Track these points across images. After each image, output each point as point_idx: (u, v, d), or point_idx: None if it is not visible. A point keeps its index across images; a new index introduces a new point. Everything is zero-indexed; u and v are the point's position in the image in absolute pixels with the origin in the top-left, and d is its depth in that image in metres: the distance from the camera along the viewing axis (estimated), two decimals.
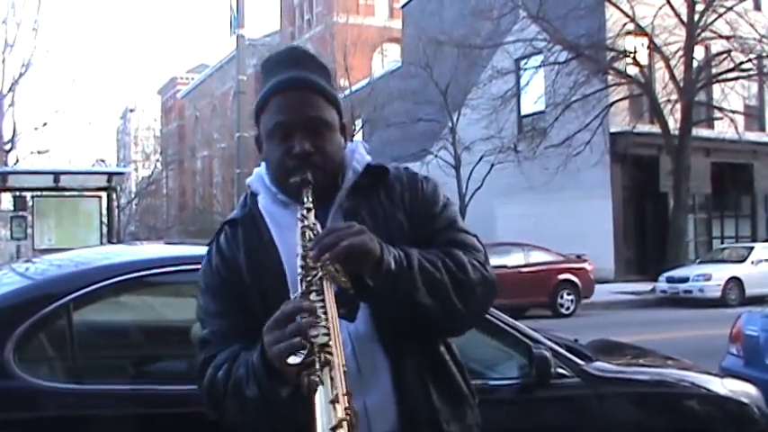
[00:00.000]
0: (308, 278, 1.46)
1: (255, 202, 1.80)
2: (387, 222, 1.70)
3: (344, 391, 1.26)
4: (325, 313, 1.38)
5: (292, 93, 1.71)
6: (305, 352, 1.33)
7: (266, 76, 1.76)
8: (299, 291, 1.46)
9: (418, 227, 1.72)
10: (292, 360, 1.33)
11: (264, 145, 1.76)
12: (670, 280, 18.15)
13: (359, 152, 1.82)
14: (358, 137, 31.40)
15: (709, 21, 20.86)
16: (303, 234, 1.57)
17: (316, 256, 1.47)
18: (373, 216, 1.69)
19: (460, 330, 1.78)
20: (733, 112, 22.00)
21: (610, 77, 22.27)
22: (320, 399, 1.25)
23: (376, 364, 1.65)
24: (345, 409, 1.24)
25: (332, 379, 1.28)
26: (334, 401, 1.24)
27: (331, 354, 1.31)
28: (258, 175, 1.83)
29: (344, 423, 1.21)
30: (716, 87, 22.74)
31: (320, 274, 1.45)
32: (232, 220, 1.82)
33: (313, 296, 1.43)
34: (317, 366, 1.30)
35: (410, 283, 1.57)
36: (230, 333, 1.65)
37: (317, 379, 1.28)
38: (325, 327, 1.35)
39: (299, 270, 1.49)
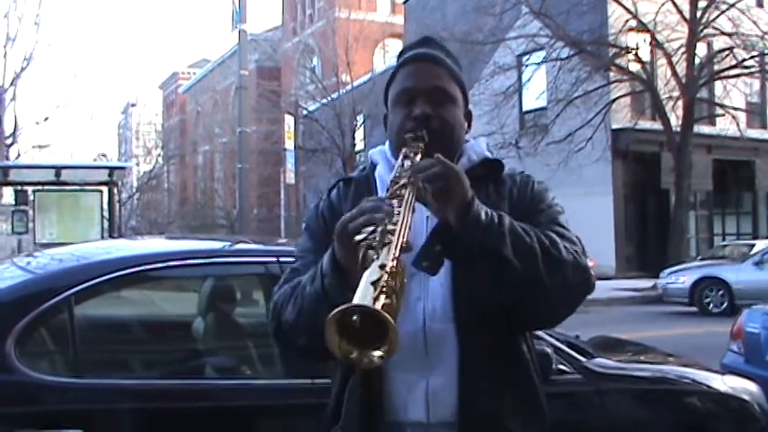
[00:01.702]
0: (394, 188, 1.54)
1: (374, 169, 1.88)
2: None
3: (395, 255, 1.32)
4: (399, 210, 1.45)
5: (418, 64, 1.82)
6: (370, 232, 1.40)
7: (399, 59, 1.87)
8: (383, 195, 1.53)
9: (519, 219, 1.68)
10: (358, 237, 1.41)
11: (389, 114, 1.84)
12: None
13: (479, 146, 1.88)
14: (359, 133, 31.41)
15: (712, 17, 20.81)
16: (402, 164, 1.63)
17: (409, 174, 1.54)
18: None
19: (549, 314, 1.73)
20: (735, 109, 21.94)
21: (612, 74, 22.22)
22: (373, 265, 1.31)
23: (445, 345, 1.66)
24: (391, 266, 1.28)
25: (387, 252, 1.33)
26: (383, 266, 1.29)
27: (393, 235, 1.37)
28: (381, 149, 1.91)
29: (385, 273, 1.26)
30: (718, 84, 22.67)
31: (405, 182, 1.53)
32: (348, 178, 1.92)
33: (394, 202, 1.49)
34: (377, 243, 1.36)
35: (498, 238, 1.56)
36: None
37: (375, 253, 1.34)
38: (395, 220, 1.42)
39: (388, 185, 1.57)
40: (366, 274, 1.29)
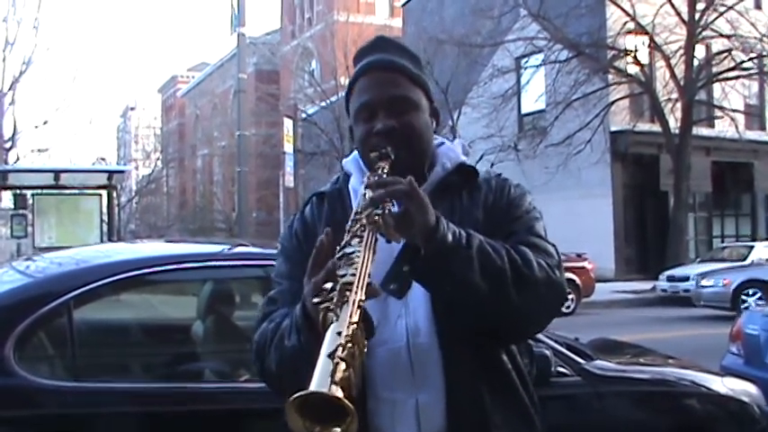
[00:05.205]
0: (354, 228, 1.48)
1: (347, 180, 1.82)
2: (462, 220, 1.63)
3: (352, 321, 1.28)
4: (360, 256, 1.40)
5: (375, 73, 1.74)
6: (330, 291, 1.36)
7: (355, 64, 1.80)
8: (344, 240, 1.47)
9: (494, 226, 1.66)
10: (316, 300, 1.37)
11: (353, 127, 1.78)
12: (670, 279, 18.06)
13: (454, 151, 1.82)
14: None
15: (710, 19, 20.83)
16: (364, 195, 1.57)
17: (367, 210, 1.49)
18: (450, 214, 1.64)
19: (520, 331, 1.70)
20: (733, 110, 21.97)
21: (610, 76, 22.25)
22: (331, 331, 1.28)
23: (429, 361, 1.62)
24: (346, 334, 1.25)
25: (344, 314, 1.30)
26: (339, 333, 1.26)
27: (351, 291, 1.33)
28: (354, 157, 1.84)
29: (341, 345, 1.23)
30: (716, 86, 22.70)
31: (364, 221, 1.47)
32: (320, 192, 1.84)
33: (354, 242, 1.44)
34: (335, 303, 1.32)
35: (466, 261, 1.52)
36: (296, 294, 1.61)
37: (334, 315, 1.31)
38: (354, 267, 1.37)
39: (349, 223, 1.51)
40: (324, 343, 1.26)
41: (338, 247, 1.45)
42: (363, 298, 1.33)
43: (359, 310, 1.31)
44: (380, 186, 1.50)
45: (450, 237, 1.52)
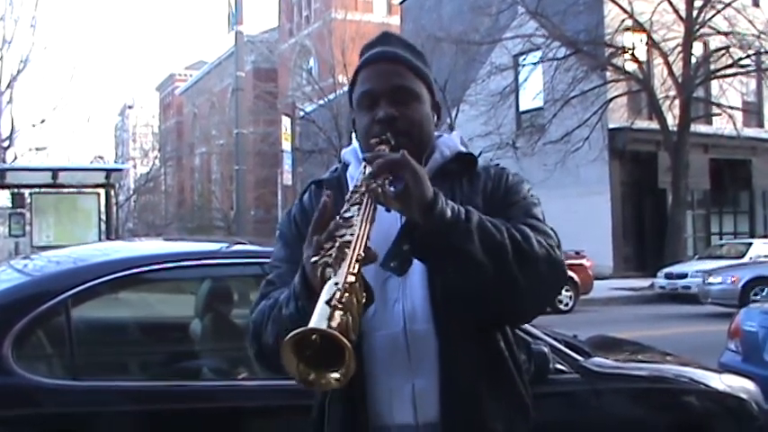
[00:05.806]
0: (353, 198, 1.51)
1: (345, 169, 1.85)
2: (462, 205, 1.63)
3: (350, 271, 1.30)
4: (359, 219, 1.43)
5: (379, 64, 1.78)
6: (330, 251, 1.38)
7: (360, 58, 1.83)
8: (344, 208, 1.50)
9: (493, 213, 1.64)
10: (315, 258, 1.39)
11: (355, 118, 1.81)
12: (668, 276, 18.03)
13: (452, 140, 1.85)
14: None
15: (708, 17, 20.84)
16: (364, 171, 1.59)
17: (366, 178, 1.52)
18: (451, 199, 1.63)
19: (523, 310, 1.69)
20: (731, 108, 21.96)
21: (608, 73, 22.24)
22: (329, 283, 1.29)
23: (427, 347, 1.63)
24: (344, 282, 1.27)
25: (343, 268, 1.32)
26: (337, 283, 1.28)
27: (349, 248, 1.35)
28: (353, 148, 1.87)
29: (338, 291, 1.25)
30: (714, 83, 22.71)
31: (363, 190, 1.50)
32: (318, 180, 1.88)
33: (353, 210, 1.47)
34: (333, 260, 1.34)
35: (465, 235, 1.52)
36: (294, 278, 1.62)
37: (332, 270, 1.32)
38: (353, 229, 1.40)
39: (348, 195, 1.54)
40: (323, 293, 1.27)
41: (338, 216, 1.48)
42: (362, 254, 1.35)
43: (357, 264, 1.33)
44: (377, 158, 1.53)
45: (448, 212, 1.53)
